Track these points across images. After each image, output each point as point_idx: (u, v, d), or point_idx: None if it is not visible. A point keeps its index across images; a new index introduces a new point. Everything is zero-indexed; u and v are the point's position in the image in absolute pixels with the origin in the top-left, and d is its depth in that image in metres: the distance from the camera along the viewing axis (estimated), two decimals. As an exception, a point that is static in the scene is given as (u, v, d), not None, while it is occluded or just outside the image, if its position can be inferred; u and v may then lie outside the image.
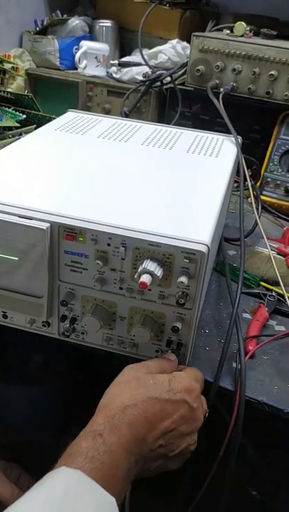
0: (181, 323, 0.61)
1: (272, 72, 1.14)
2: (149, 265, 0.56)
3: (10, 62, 1.39)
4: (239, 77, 1.19)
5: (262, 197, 1.19)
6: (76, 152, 0.82)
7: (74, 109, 1.05)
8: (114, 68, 1.47)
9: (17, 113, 1.22)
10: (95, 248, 0.59)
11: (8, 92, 1.28)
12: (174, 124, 1.28)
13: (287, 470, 0.89)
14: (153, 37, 1.51)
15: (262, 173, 1.22)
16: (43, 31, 1.54)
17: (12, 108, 1.24)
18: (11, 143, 0.85)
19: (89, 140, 0.88)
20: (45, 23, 1.55)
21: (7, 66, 1.37)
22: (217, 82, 1.21)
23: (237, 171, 0.91)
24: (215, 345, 0.73)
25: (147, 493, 0.79)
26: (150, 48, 1.44)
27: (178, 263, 0.57)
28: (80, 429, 0.51)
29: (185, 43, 1.40)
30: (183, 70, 1.33)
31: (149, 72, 1.35)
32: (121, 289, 0.61)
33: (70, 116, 1.01)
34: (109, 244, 0.58)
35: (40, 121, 1.21)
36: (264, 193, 1.21)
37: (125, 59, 1.50)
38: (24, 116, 1.22)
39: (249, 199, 1.19)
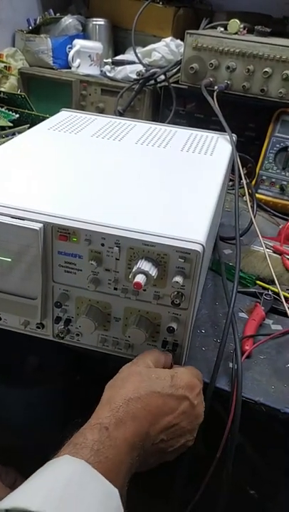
0: (177, 323, 0.60)
1: (266, 70, 1.14)
2: (144, 265, 0.55)
3: (3, 62, 1.38)
4: (233, 75, 1.19)
5: (257, 195, 1.18)
6: (69, 151, 0.82)
7: (67, 108, 1.04)
8: (107, 67, 1.46)
9: (10, 112, 1.21)
10: (89, 248, 0.58)
11: (1, 91, 1.26)
12: (168, 123, 1.28)
13: (285, 470, 0.89)
14: (146, 35, 1.50)
15: (257, 171, 1.21)
16: (36, 30, 1.53)
17: (5, 107, 1.23)
18: (4, 142, 0.84)
19: (83, 139, 0.87)
20: (37, 22, 1.54)
21: (0, 65, 1.36)
22: (211, 79, 1.21)
23: (232, 169, 0.90)
24: (211, 346, 0.72)
25: (146, 493, 0.79)
26: (144, 46, 1.43)
27: (173, 263, 0.57)
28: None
29: (179, 41, 1.39)
30: (177, 68, 1.32)
31: (143, 71, 1.34)
32: (115, 289, 0.60)
33: (64, 115, 1.00)
34: (103, 245, 0.58)
35: (33, 121, 1.20)
36: (259, 191, 1.20)
37: (119, 57, 1.49)
38: (17, 115, 1.21)
39: (244, 197, 1.19)
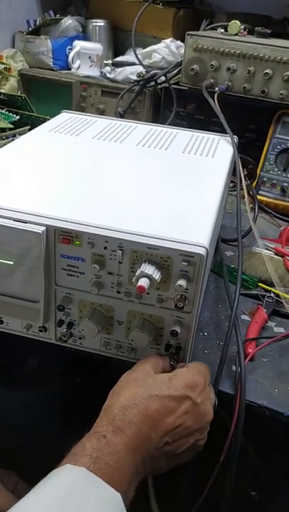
0: (180, 326, 0.60)
1: (267, 71, 1.14)
2: (147, 268, 0.55)
3: (2, 63, 1.38)
4: (234, 76, 1.19)
5: (258, 197, 1.18)
6: (71, 153, 0.81)
7: (68, 110, 1.04)
8: (108, 68, 1.46)
9: (10, 114, 1.21)
10: (92, 252, 0.58)
11: (1, 92, 1.26)
12: (168, 124, 1.27)
13: (286, 472, 0.89)
14: (146, 36, 1.50)
15: (258, 172, 1.21)
16: (36, 31, 1.53)
17: (5, 109, 1.22)
18: (4, 144, 0.84)
19: (84, 141, 0.87)
20: (37, 23, 1.54)
21: (0, 67, 1.36)
22: (212, 81, 1.20)
23: (233, 170, 0.90)
24: (214, 348, 0.72)
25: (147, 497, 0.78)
26: (144, 48, 1.43)
27: (176, 266, 0.56)
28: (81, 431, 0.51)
29: (179, 42, 1.39)
30: (177, 70, 1.32)
31: (143, 72, 1.34)
32: (118, 292, 0.60)
33: (65, 117, 0.99)
34: (106, 248, 0.57)
35: (34, 123, 1.20)
36: (260, 192, 1.20)
37: (119, 59, 1.49)
38: (18, 117, 1.21)
39: (245, 199, 1.19)
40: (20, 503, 0.44)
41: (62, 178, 0.72)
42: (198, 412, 0.56)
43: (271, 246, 0.96)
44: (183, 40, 1.25)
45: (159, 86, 1.36)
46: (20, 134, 1.14)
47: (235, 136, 0.95)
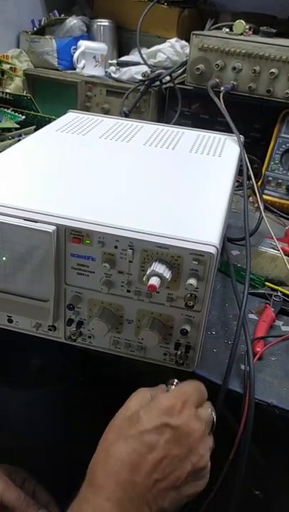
0: (190, 325, 0.60)
1: (272, 70, 1.14)
2: (158, 267, 0.55)
3: (8, 63, 1.38)
4: (239, 76, 1.19)
5: (263, 196, 1.18)
6: (79, 153, 0.82)
7: (74, 110, 1.04)
8: (112, 68, 1.46)
9: (16, 114, 1.21)
10: (102, 251, 0.58)
11: (6, 92, 1.26)
12: (173, 124, 1.28)
13: (289, 471, 0.89)
14: (151, 36, 1.49)
15: (263, 172, 1.21)
16: (41, 31, 1.53)
17: (11, 109, 1.23)
18: (10, 144, 0.85)
19: (91, 141, 0.87)
20: (42, 23, 1.54)
21: (5, 67, 1.36)
22: (217, 80, 1.20)
23: (239, 170, 0.90)
24: (222, 347, 0.72)
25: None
26: (148, 47, 1.43)
27: (186, 265, 0.56)
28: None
29: (184, 42, 1.39)
30: (182, 69, 1.32)
31: (148, 72, 1.34)
32: (128, 291, 0.60)
33: (71, 116, 1.00)
34: (116, 247, 0.58)
35: (39, 122, 1.20)
36: (265, 192, 1.20)
37: (124, 58, 1.49)
38: (23, 117, 1.21)
39: (250, 198, 1.19)
40: None
41: (71, 177, 0.72)
42: (180, 434, 0.51)
43: (277, 245, 0.96)
44: (187, 40, 1.25)
45: (164, 86, 1.36)
46: (26, 133, 1.15)
47: (241, 136, 0.95)
